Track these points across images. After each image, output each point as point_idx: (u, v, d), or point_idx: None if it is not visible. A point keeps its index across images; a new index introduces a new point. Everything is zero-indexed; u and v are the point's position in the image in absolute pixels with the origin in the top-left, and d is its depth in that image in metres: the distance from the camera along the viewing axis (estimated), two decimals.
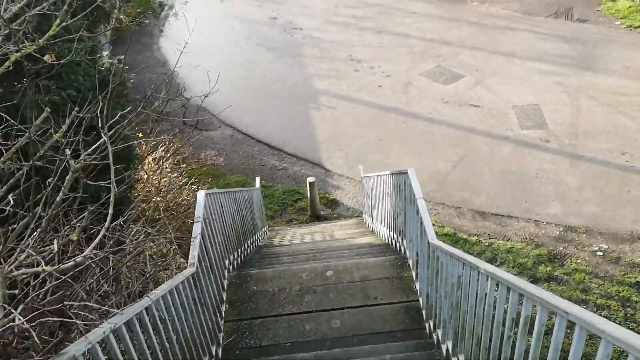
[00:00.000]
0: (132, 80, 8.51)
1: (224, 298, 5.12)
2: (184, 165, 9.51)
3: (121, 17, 19.93)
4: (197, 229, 4.08)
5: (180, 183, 9.40)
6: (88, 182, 3.55)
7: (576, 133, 12.42)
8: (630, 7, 16.85)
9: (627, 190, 10.85)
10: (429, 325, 4.48)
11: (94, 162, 3.70)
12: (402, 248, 5.56)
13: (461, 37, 16.70)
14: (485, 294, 2.96)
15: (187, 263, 4.66)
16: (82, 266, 2.75)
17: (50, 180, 3.08)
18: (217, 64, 16.67)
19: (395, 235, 5.85)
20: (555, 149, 12.09)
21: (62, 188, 3.17)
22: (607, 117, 12.79)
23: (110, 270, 3.42)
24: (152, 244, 5.89)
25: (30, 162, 3.05)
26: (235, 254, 5.97)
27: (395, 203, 5.46)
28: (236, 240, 6.18)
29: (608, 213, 10.41)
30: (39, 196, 2.99)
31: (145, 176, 9.19)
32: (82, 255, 2.61)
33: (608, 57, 15.00)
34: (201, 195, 4.55)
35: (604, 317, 8.59)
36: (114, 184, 3.10)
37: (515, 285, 2.52)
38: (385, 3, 19.21)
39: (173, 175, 9.23)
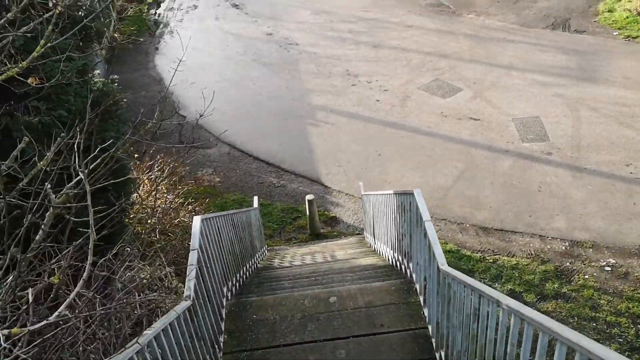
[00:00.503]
0: (125, 100, 8.29)
1: (222, 328, 4.86)
2: (180, 187, 9.27)
3: (115, 35, 19.85)
4: (192, 258, 3.83)
5: (177, 204, 9.15)
6: (73, 219, 3.29)
7: (578, 145, 12.24)
8: (627, 17, 16.78)
9: (633, 202, 10.64)
10: (440, 356, 4.23)
11: (82, 191, 3.46)
12: (408, 271, 5.32)
13: (458, 50, 16.59)
14: (508, 329, 2.72)
15: (184, 287, 4.42)
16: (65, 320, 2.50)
17: (33, 215, 2.84)
18: (213, 81, 16.52)
19: (400, 258, 5.61)
20: (557, 162, 11.90)
21: (42, 226, 2.93)
22: (609, 128, 12.63)
23: (96, 321, 3.16)
24: (144, 278, 5.63)
25: (10, 194, 2.80)
26: (234, 279, 5.71)
27: (399, 224, 5.24)
28: (235, 265, 5.93)
29: (614, 227, 10.20)
30: (16, 234, 2.75)
31: (140, 198, 8.94)
32: (53, 316, 2.36)
33: (607, 68, 14.88)
34: (197, 221, 4.31)
35: (615, 335, 8.35)
36: (94, 229, 2.85)
37: (546, 327, 2.27)
38: (381, 17, 19.13)
39: (169, 197, 8.98)
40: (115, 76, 7.12)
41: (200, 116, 7.00)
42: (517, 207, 10.94)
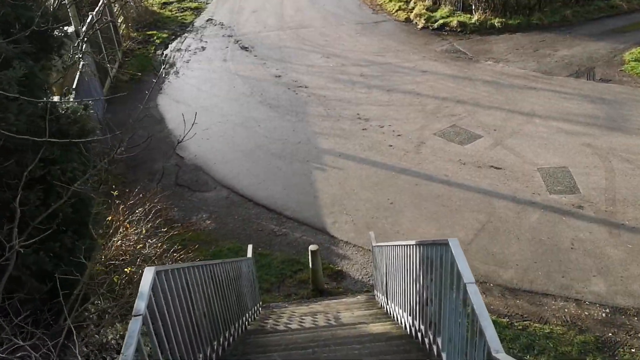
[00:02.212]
0: (98, 132, 7.30)
1: None
2: (165, 230, 8.12)
3: (120, 75, 19.20)
4: (133, 327, 2.66)
5: (161, 250, 7.98)
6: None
7: (613, 199, 11.03)
8: None
9: None
10: None
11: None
12: (435, 348, 4.08)
13: (476, 96, 15.65)
14: None
15: None
16: None
17: None
18: (216, 122, 15.64)
19: (423, 328, 4.38)
20: (590, 217, 10.67)
21: None
22: None
23: None
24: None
25: None
26: (210, 349, 4.49)
27: (423, 284, 4.06)
28: (213, 329, 4.72)
29: None
30: None
31: (118, 242, 7.80)
32: None
33: (638, 118, 13.82)
34: (149, 274, 3.12)
35: None
36: None
37: None
38: (395, 62, 18.36)
39: (152, 241, 7.83)
40: (89, 101, 6.14)
41: (179, 142, 5.86)
42: (547, 266, 9.66)
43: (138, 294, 2.92)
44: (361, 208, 11.61)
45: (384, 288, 6.78)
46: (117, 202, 8.08)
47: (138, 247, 7.40)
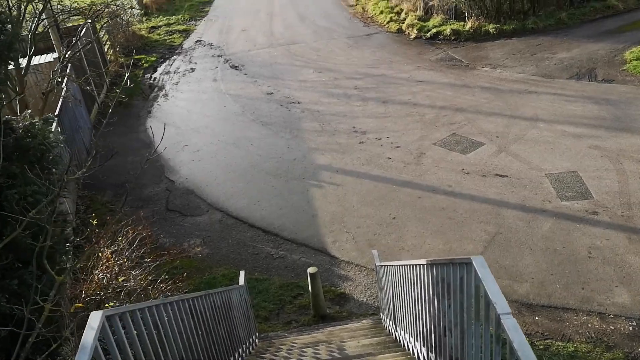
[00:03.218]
0: (62, 145, 6.73)
1: None
2: (149, 259, 7.45)
3: (108, 101, 18.66)
4: None
5: (146, 282, 7.32)
6: None
7: (628, 202, 10.40)
8: None
9: None
10: None
11: None
12: None
13: (475, 103, 15.10)
14: None
15: None
16: None
17: None
18: (207, 143, 15.07)
19: None
20: (606, 222, 10.03)
21: None
22: None
23: None
24: None
25: None
26: None
27: (439, 311, 3.43)
28: None
29: None
30: None
31: (99, 275, 7.15)
32: None
33: None
34: (94, 321, 2.44)
35: None
36: None
37: None
38: (389, 74, 17.84)
39: (135, 273, 7.16)
40: (52, 115, 5.56)
41: (147, 158, 5.27)
42: (565, 278, 8.99)
43: (79, 347, 2.27)
44: (362, 225, 10.97)
45: (391, 312, 6.11)
46: (96, 231, 7.43)
47: (120, 279, 6.74)
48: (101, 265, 7.20)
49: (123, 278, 6.73)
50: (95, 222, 7.48)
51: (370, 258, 9.99)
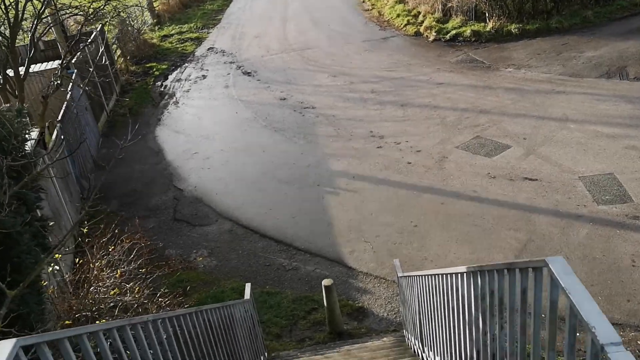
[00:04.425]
0: (29, 132, 6.11)
1: None
2: (144, 270, 6.74)
3: (117, 109, 18.20)
4: None
5: (142, 297, 6.61)
6: None
7: None
8: None
9: None
10: None
11: None
12: None
13: (500, 104, 14.27)
14: None
15: None
16: None
17: None
18: (218, 150, 14.43)
19: None
20: None
21: None
22: None
23: None
24: None
25: None
26: None
27: (486, 334, 2.66)
28: None
29: None
30: None
31: (91, 289, 6.46)
32: None
33: None
34: (2, 354, 1.73)
35: None
36: None
37: None
38: (407, 76, 17.10)
39: (130, 285, 6.46)
40: (23, 105, 4.93)
41: (121, 147, 4.64)
42: (607, 289, 8.10)
43: None
44: (381, 234, 10.18)
45: (418, 331, 5.32)
46: (87, 240, 6.77)
47: (111, 292, 6.04)
48: (93, 278, 6.52)
49: (114, 292, 6.03)
50: (86, 229, 6.83)
51: (391, 269, 9.21)
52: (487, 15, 19.58)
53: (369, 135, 13.77)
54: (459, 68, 17.18)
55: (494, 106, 14.22)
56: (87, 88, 15.09)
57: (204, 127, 15.96)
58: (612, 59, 15.85)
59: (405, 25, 21.37)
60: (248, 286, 7.08)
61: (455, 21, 20.09)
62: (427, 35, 20.19)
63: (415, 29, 20.80)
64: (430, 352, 4.60)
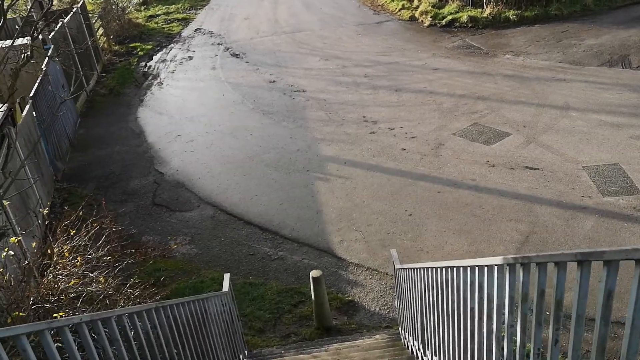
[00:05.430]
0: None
1: None
2: (109, 258, 6.03)
3: (98, 89, 17.39)
4: None
5: (109, 288, 5.92)
6: None
7: None
8: None
9: None
10: None
11: None
12: None
13: (498, 91, 13.66)
14: None
15: None
16: None
17: None
18: (203, 133, 13.69)
19: None
20: None
21: None
22: None
23: None
24: None
25: None
26: None
27: (524, 345, 2.05)
28: None
29: None
30: None
31: (50, 277, 5.77)
32: None
33: None
34: None
35: None
36: None
37: None
38: (402, 61, 16.44)
39: (94, 274, 5.77)
40: None
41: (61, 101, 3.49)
42: (618, 286, 7.50)
43: None
44: (374, 222, 9.55)
45: (417, 331, 4.69)
46: (47, 222, 6.06)
47: (71, 283, 5.34)
48: (54, 265, 5.82)
49: (74, 282, 5.33)
50: (45, 210, 6.12)
51: (384, 260, 8.61)
52: (484, 1, 18.95)
53: (361, 120, 13.11)
54: (456, 54, 16.54)
55: (492, 93, 13.61)
56: (64, 66, 14.26)
57: (188, 109, 15.20)
58: (614, 47, 15.30)
59: (400, 9, 20.69)
60: (227, 277, 6.40)
61: (451, 6, 19.45)
62: (422, 20, 19.54)
63: (410, 14, 20.14)
64: (435, 357, 3.96)
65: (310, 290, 7.44)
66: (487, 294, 2.50)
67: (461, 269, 2.89)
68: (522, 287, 2.11)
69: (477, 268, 2.62)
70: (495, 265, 2.35)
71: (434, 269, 3.66)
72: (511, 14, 18.23)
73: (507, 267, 2.21)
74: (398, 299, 6.57)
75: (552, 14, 18.17)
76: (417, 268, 4.42)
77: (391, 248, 8.39)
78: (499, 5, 18.60)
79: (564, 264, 1.85)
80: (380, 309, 7.97)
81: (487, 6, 18.78)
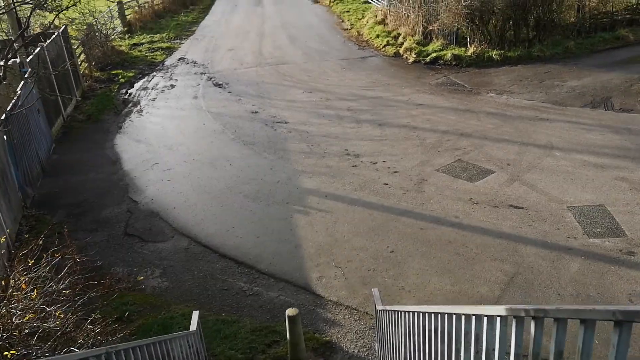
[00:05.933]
0: None
1: None
2: (69, 291, 5.58)
3: (76, 115, 17.00)
4: None
5: (68, 323, 5.45)
6: None
7: None
8: None
9: None
10: None
11: None
12: None
13: (482, 128, 13.58)
14: None
15: None
16: None
17: None
18: (180, 162, 13.32)
19: None
20: None
21: None
22: None
23: None
24: None
25: None
26: None
27: None
28: None
29: None
30: None
31: (3, 309, 5.30)
32: None
33: None
34: None
35: None
36: None
37: None
38: (386, 96, 16.36)
39: (52, 309, 5.32)
40: None
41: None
42: (605, 332, 7.21)
43: None
44: (354, 259, 9.20)
45: None
46: (13, 252, 5.62)
47: (26, 318, 4.89)
48: (8, 299, 5.36)
49: (29, 317, 4.88)
50: (2, 239, 5.68)
51: (364, 298, 8.23)
52: (468, 40, 19.13)
53: (343, 154, 12.88)
54: (439, 90, 16.53)
55: (475, 130, 13.52)
56: (40, 90, 13.87)
57: (167, 137, 14.85)
58: (596, 89, 15.41)
59: (385, 45, 20.79)
60: (195, 315, 5.96)
61: (435, 44, 19.58)
62: (406, 57, 19.62)
63: (395, 50, 20.23)
64: None
65: (286, 329, 7.02)
66: (486, 348, 2.18)
67: (454, 316, 2.57)
68: (533, 346, 1.80)
69: (473, 317, 2.30)
70: (498, 316, 2.04)
71: (421, 314, 3.33)
72: (494, 54, 18.39)
73: (514, 320, 1.90)
74: (378, 342, 6.18)
75: (535, 55, 18.37)
76: (401, 311, 4.09)
77: (372, 286, 8.05)
78: (482, 44, 18.77)
79: (592, 322, 1.55)
80: (359, 351, 7.55)
81: (471, 45, 18.94)
